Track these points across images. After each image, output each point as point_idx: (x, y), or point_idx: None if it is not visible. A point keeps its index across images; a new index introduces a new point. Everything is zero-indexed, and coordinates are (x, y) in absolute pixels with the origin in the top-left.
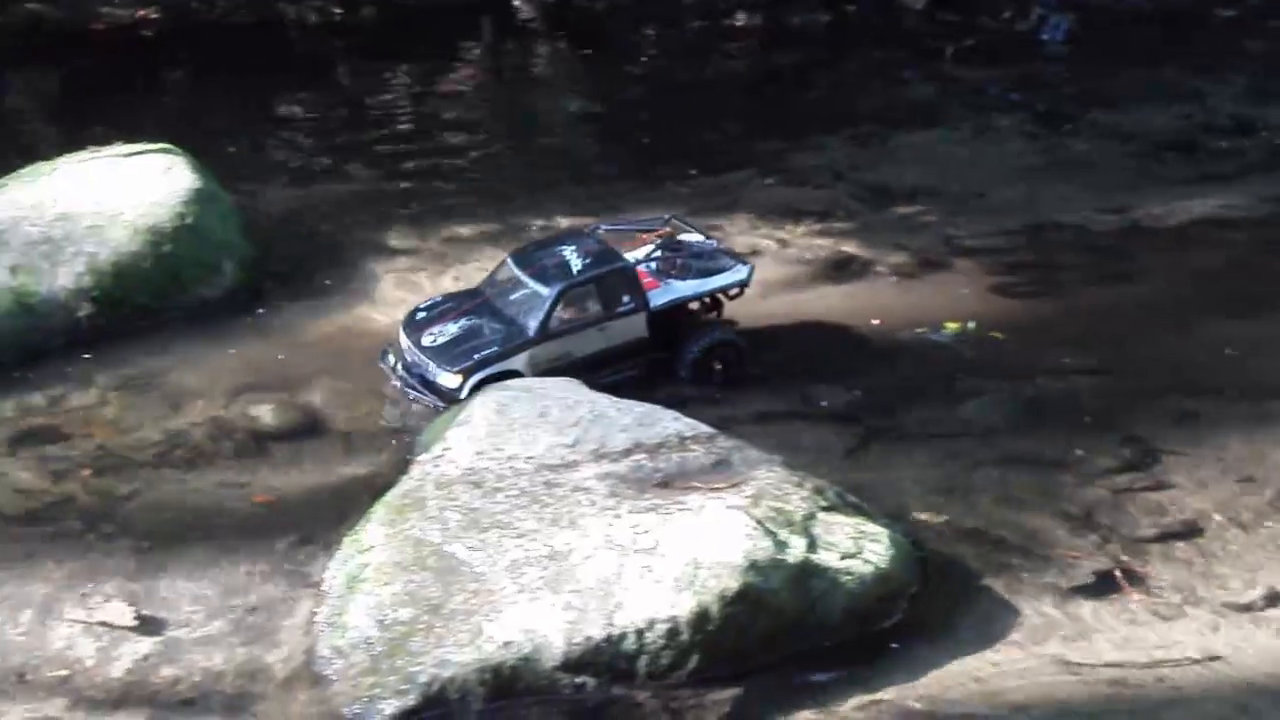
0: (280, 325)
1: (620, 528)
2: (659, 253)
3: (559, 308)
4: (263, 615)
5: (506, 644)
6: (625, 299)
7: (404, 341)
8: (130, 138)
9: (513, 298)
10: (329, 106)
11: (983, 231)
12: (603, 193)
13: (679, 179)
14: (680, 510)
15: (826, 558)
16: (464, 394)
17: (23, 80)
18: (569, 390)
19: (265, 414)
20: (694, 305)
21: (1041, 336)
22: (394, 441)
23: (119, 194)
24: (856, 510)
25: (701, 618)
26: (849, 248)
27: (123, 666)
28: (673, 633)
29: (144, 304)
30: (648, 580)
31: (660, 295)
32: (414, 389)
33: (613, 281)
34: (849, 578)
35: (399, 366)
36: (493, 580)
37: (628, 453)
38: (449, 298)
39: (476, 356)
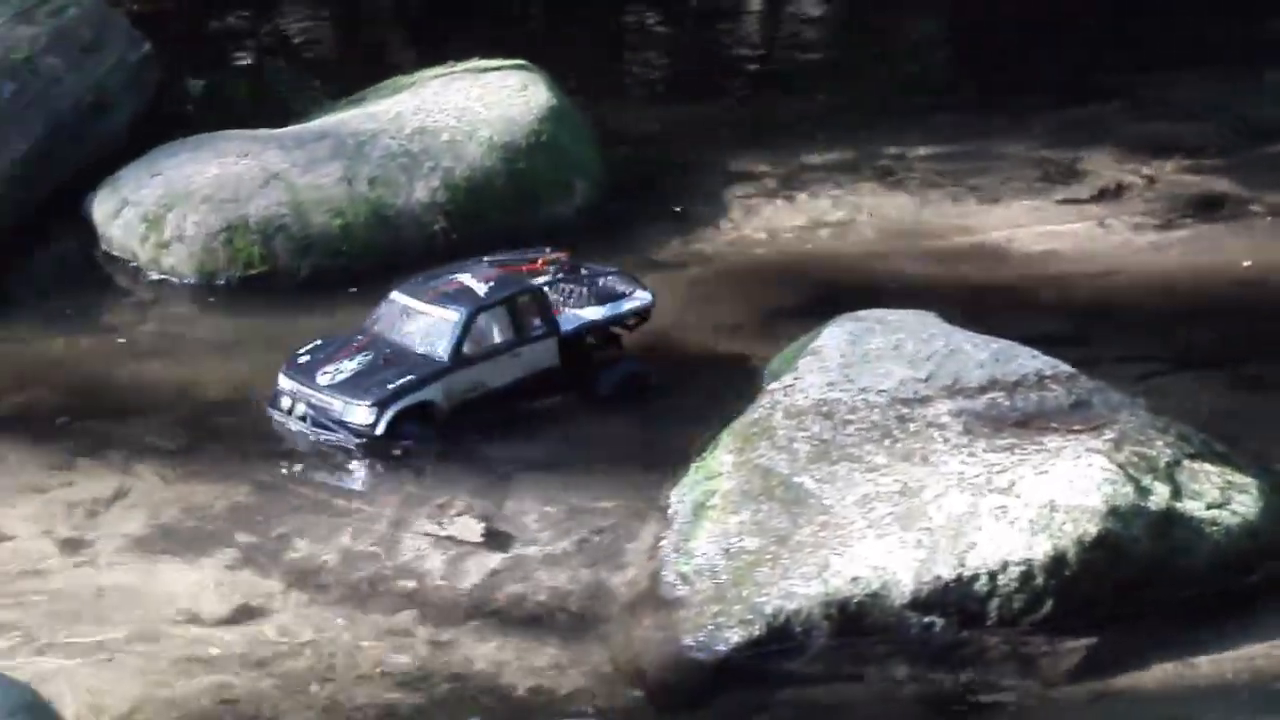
0: (629, 246)
1: (974, 466)
2: (558, 281)
3: (470, 333)
4: (608, 537)
5: (854, 579)
6: (537, 323)
7: (290, 385)
8: (488, 53)
9: (411, 329)
10: (681, 26)
11: None
12: (959, 122)
13: (1040, 109)
14: (1037, 451)
15: (1191, 507)
16: (380, 429)
17: None
18: (923, 323)
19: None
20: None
21: None
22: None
23: (475, 110)
24: (1224, 459)
25: (1057, 563)
26: (1221, 186)
27: (470, 581)
28: (1026, 577)
29: (496, 220)
30: (1002, 522)
31: (568, 321)
32: (323, 428)
33: (524, 304)
34: (1215, 529)
35: (294, 412)
36: (841, 514)
37: (984, 389)
38: (331, 340)
39: (390, 387)
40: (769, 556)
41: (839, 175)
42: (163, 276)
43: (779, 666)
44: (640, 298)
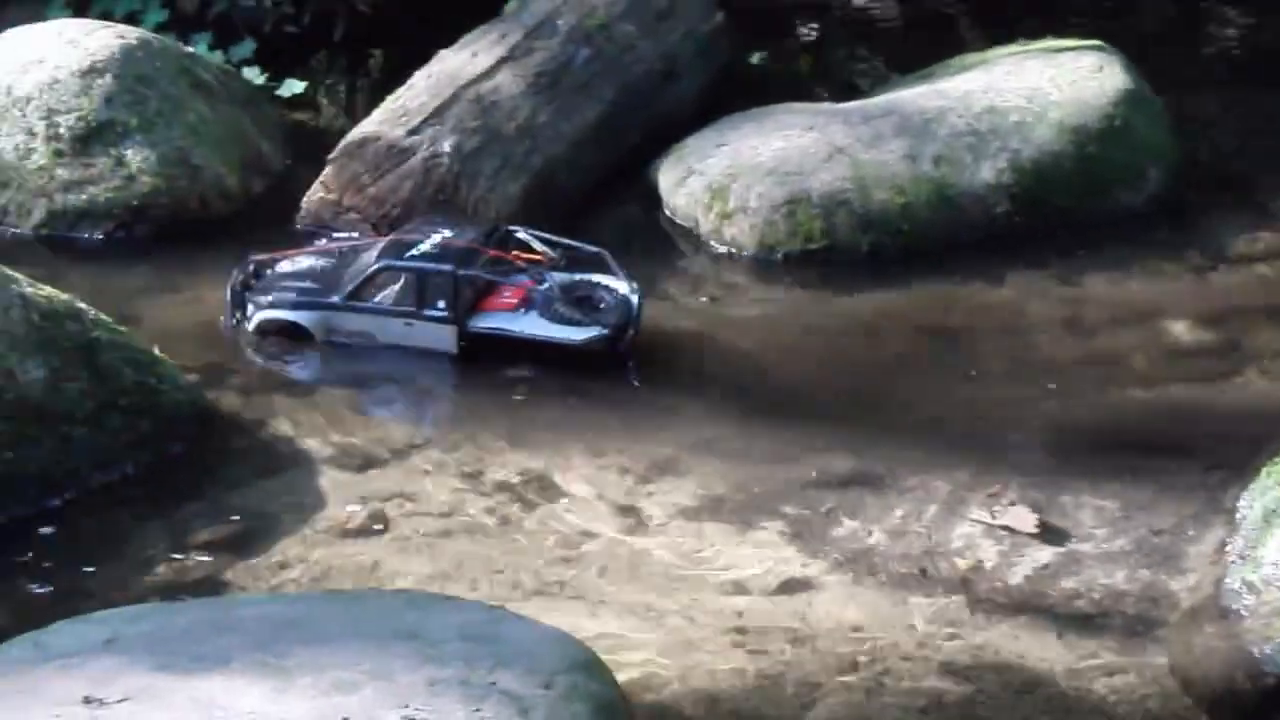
0: (1203, 241)
1: None
2: (548, 279)
3: (374, 283)
4: (1168, 539)
5: None
6: (440, 305)
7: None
8: (1062, 33)
9: (359, 260)
10: (1265, 9)
11: None
12: None
13: None
14: None
15: None
16: (249, 327)
17: None
18: None
19: (1181, 329)
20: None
21: None
22: None
23: (1047, 91)
24: None
25: None
26: None
27: (1021, 573)
28: None
29: (1061, 205)
30: None
31: (485, 319)
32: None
33: (433, 282)
34: None
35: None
36: None
37: None
38: (354, 240)
39: (271, 296)
40: None
41: None
42: (723, 247)
43: None
44: (568, 330)
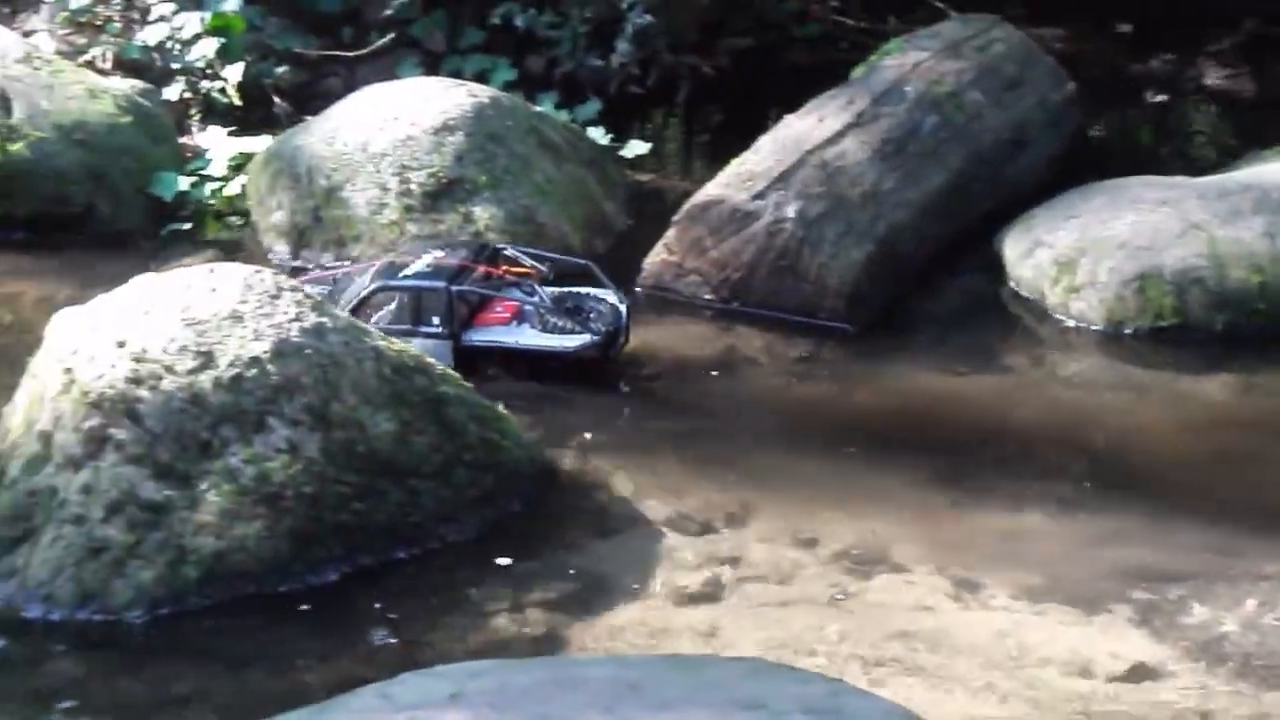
0: None
1: None
2: (538, 292)
3: (368, 305)
4: None
5: None
6: (435, 321)
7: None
8: None
9: (353, 285)
10: None
11: None
12: None
13: None
14: None
15: None
16: None
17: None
18: None
19: None
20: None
21: None
22: None
23: None
24: None
25: None
26: None
27: None
28: None
29: None
30: None
31: (481, 334)
32: None
33: (426, 300)
34: None
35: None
36: None
37: None
38: (334, 267)
39: None
40: None
41: None
42: (1069, 321)
43: None
44: (562, 339)
